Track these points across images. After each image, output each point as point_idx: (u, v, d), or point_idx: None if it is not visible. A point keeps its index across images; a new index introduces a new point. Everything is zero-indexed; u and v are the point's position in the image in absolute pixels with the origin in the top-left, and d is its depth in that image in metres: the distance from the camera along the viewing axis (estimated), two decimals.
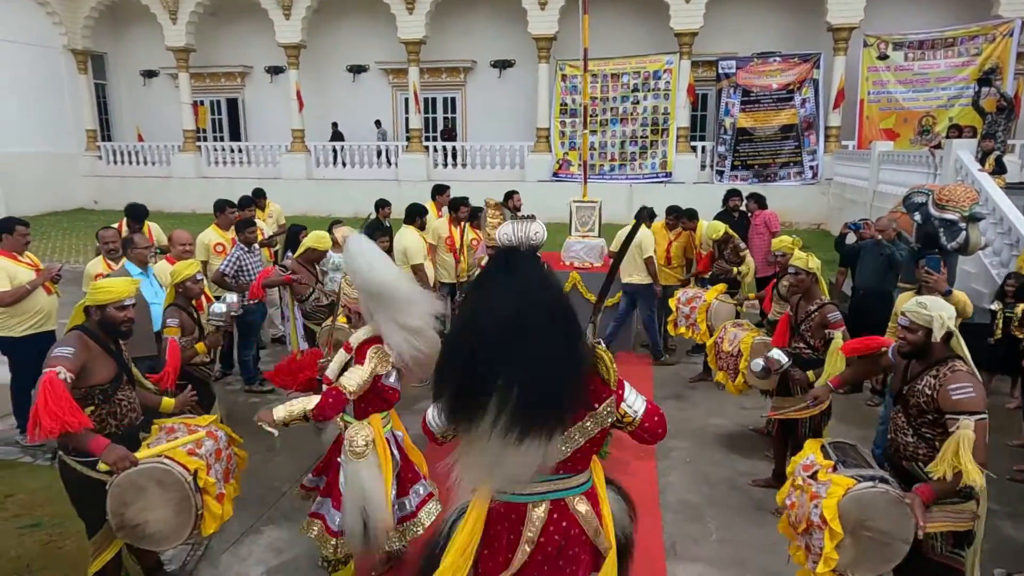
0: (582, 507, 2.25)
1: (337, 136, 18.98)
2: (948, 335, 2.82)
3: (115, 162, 19.71)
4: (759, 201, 7.93)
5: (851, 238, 6.67)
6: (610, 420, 2.20)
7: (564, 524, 2.21)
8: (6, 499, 4.34)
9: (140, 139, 19.97)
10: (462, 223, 6.86)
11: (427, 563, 2.42)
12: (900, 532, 2.67)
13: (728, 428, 5.58)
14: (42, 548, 3.84)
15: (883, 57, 14.75)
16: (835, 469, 2.86)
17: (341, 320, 5.20)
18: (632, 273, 6.83)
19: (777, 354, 4.17)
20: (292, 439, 5.42)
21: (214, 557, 3.77)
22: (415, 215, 6.61)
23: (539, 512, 2.20)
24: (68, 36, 18.62)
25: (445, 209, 7.33)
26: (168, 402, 3.50)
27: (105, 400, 3.06)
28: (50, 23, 18.28)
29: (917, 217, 6.29)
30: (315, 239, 5.61)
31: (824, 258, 4.61)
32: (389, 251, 6.77)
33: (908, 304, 2.92)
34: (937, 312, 2.78)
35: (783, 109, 15.44)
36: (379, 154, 18.44)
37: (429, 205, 7.39)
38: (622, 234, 6.93)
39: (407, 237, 6.41)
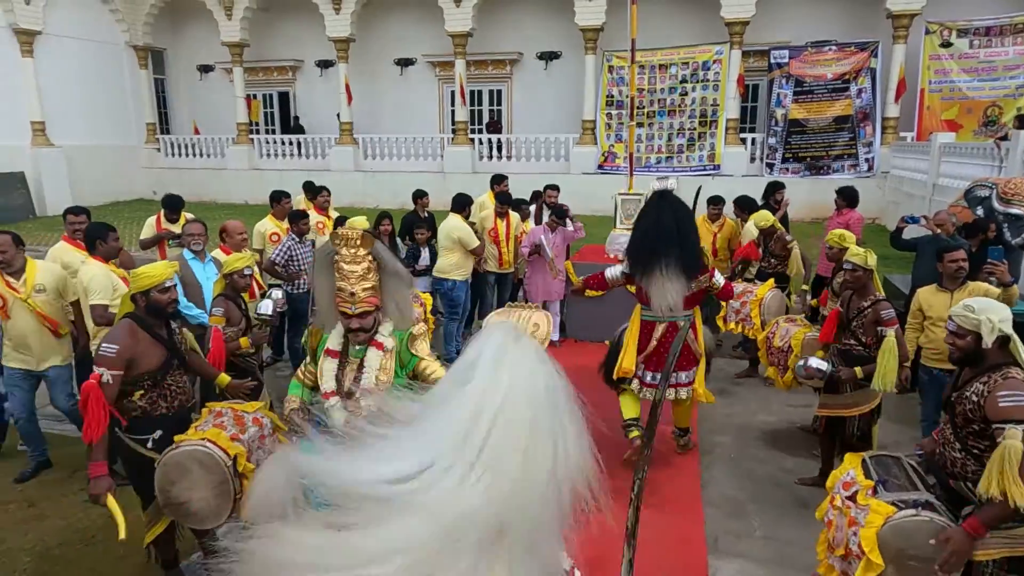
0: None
1: (298, 129, 19.88)
2: (1004, 339, 2.58)
3: (173, 154, 20.43)
4: (849, 199, 6.96)
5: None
6: (704, 285, 4.42)
7: (673, 334, 4.38)
8: (73, 473, 4.59)
9: (196, 132, 20.64)
10: (507, 216, 6.94)
11: (610, 353, 4.74)
12: None
13: (774, 425, 5.48)
14: (106, 520, 4.03)
15: (946, 44, 14.14)
16: (875, 491, 2.70)
17: None
18: None
19: (816, 363, 4.13)
20: None
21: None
22: (463, 205, 6.71)
23: (661, 328, 4.45)
24: (130, 33, 19.36)
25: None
26: (224, 378, 3.68)
27: (154, 385, 3.21)
28: (113, 20, 19.04)
29: (980, 212, 6.05)
30: (352, 225, 5.67)
31: (879, 254, 4.49)
32: (428, 242, 6.87)
33: (955, 307, 2.70)
34: (985, 315, 2.54)
35: (838, 100, 14.97)
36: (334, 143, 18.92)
37: (487, 195, 7.47)
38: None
39: (455, 224, 6.52)
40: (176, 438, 3.09)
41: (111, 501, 3.02)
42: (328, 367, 2.77)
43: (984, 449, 2.55)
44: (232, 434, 3.13)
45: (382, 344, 2.77)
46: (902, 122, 14.88)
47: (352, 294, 2.60)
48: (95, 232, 4.57)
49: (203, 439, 3.02)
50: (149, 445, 3.19)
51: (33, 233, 14.45)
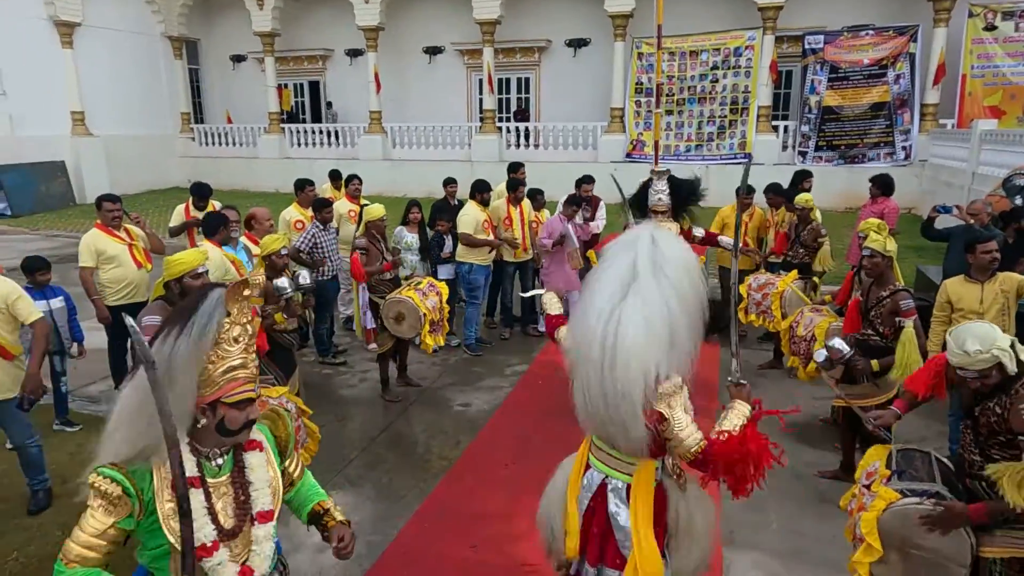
0: None
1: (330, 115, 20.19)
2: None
3: (206, 143, 20.82)
4: (884, 187, 6.70)
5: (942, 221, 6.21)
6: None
7: None
8: None
9: (229, 121, 20.99)
10: (520, 204, 6.96)
11: None
12: (954, 554, 2.46)
13: (796, 417, 5.35)
14: None
15: (990, 28, 13.64)
16: (889, 480, 2.69)
17: (405, 293, 5.36)
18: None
19: (838, 343, 3.92)
20: (360, 409, 5.66)
21: (284, 517, 4.00)
22: (478, 191, 6.78)
23: None
24: (165, 24, 19.72)
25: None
26: (280, 317, 4.13)
27: None
28: (149, 11, 19.41)
29: (1018, 200, 5.87)
30: (367, 213, 5.74)
31: (913, 244, 4.37)
32: (451, 231, 6.90)
33: (956, 359, 2.56)
34: (995, 348, 2.44)
35: (874, 86, 14.55)
36: (336, 135, 19.25)
37: (504, 184, 7.48)
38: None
39: (463, 210, 6.74)
40: None
41: None
42: (195, 506, 1.74)
43: (1006, 458, 2.52)
44: None
45: (261, 443, 1.93)
46: (942, 109, 14.42)
47: (258, 367, 1.83)
48: (218, 219, 5.11)
49: None
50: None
51: (73, 220, 14.92)
